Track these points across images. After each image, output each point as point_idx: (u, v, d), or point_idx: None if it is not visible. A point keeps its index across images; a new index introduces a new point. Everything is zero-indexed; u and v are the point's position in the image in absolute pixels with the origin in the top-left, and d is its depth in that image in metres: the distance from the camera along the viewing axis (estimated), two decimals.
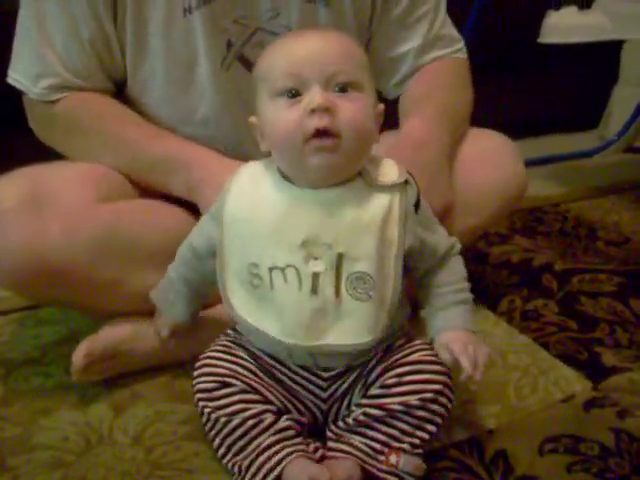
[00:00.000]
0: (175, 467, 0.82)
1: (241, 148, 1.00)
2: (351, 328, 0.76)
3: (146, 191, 1.00)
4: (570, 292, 1.25)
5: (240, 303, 0.79)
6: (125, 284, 0.93)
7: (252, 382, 0.79)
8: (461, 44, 1.15)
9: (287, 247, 0.75)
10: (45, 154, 0.98)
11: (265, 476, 0.73)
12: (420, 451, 0.77)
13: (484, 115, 1.12)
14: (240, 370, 0.79)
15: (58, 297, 0.95)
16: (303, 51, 0.74)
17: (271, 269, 0.75)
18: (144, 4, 0.94)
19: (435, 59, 1.11)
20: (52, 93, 0.97)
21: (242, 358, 0.81)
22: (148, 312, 0.94)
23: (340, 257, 0.74)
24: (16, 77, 0.98)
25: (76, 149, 1.01)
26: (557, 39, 1.67)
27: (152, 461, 0.83)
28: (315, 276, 0.74)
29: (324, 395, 0.81)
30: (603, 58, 2.10)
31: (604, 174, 1.94)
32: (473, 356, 0.77)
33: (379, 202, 0.76)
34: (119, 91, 1.03)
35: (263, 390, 0.79)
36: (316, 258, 0.74)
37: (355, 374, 0.81)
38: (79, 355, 0.92)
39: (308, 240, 0.74)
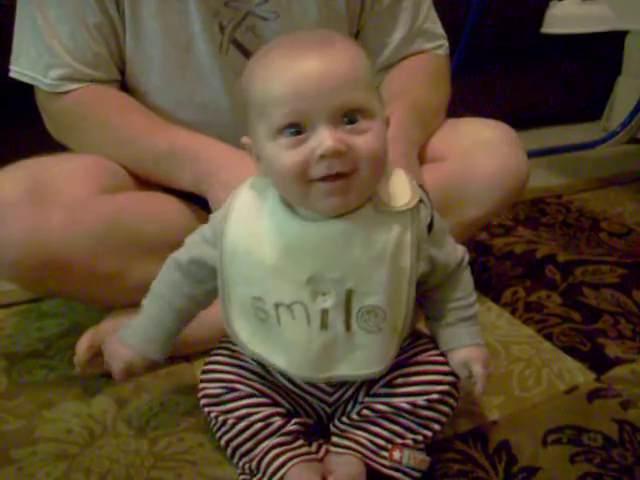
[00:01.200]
0: (179, 458, 0.82)
1: (241, 133, 1.00)
2: (362, 360, 0.74)
3: (148, 183, 1.00)
4: (573, 283, 1.25)
5: (246, 335, 0.76)
6: (127, 276, 0.93)
7: (259, 386, 0.79)
8: (443, 41, 1.15)
9: (292, 284, 0.71)
10: (47, 146, 0.98)
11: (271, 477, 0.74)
12: (423, 446, 0.77)
13: (487, 106, 1.12)
14: (247, 374, 0.79)
15: (60, 289, 0.95)
16: (305, 79, 0.63)
17: (277, 305, 0.71)
18: None
19: (415, 53, 1.11)
20: (63, 84, 0.96)
21: (249, 362, 0.80)
22: None
23: (350, 292, 0.70)
24: (21, 70, 0.97)
25: (84, 143, 1.00)
26: (560, 29, 1.66)
27: (156, 452, 0.83)
28: (324, 312, 0.71)
29: (330, 400, 0.81)
30: (606, 49, 2.09)
31: (607, 165, 1.93)
32: (487, 373, 0.79)
33: (391, 230, 0.70)
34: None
35: (271, 393, 0.79)
36: (324, 294, 0.70)
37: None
38: (82, 347, 0.92)
39: (314, 276, 0.70)
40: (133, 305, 0.96)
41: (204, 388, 0.80)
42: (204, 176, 0.92)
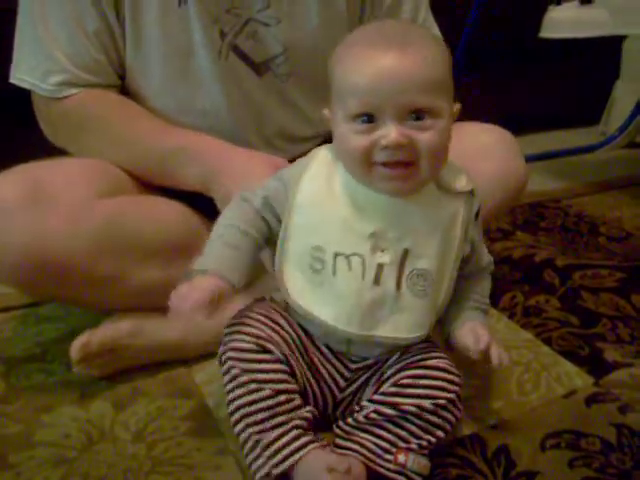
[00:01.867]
0: (177, 463, 0.82)
1: (241, 138, 1.00)
2: (405, 322, 0.78)
3: (147, 186, 1.00)
4: (572, 288, 1.25)
5: (295, 286, 0.78)
6: (126, 279, 0.93)
7: (288, 354, 0.77)
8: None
9: (356, 236, 0.76)
10: (47, 150, 0.98)
11: (283, 459, 0.72)
12: (426, 452, 0.77)
13: (486, 110, 1.12)
14: (278, 339, 0.78)
15: (59, 293, 0.95)
16: (380, 77, 0.70)
17: (336, 254, 0.76)
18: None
19: None
20: (62, 89, 0.97)
21: (281, 326, 0.79)
22: (149, 308, 0.94)
23: (406, 252, 0.76)
24: (21, 76, 0.98)
25: (87, 146, 1.00)
26: (558, 34, 1.67)
27: (154, 457, 0.83)
28: (380, 267, 0.76)
29: (344, 384, 0.82)
30: (604, 53, 2.10)
31: (606, 169, 1.94)
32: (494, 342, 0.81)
33: (447, 206, 0.79)
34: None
35: (294, 365, 0.78)
36: (383, 250, 0.76)
37: (375, 370, 0.82)
38: (76, 347, 0.92)
39: (377, 232, 0.76)
40: (132, 309, 0.97)
41: (233, 340, 0.77)
42: (212, 173, 0.93)
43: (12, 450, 0.84)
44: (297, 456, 0.72)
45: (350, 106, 0.72)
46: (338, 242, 0.76)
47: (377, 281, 0.76)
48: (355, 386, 0.82)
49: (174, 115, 1.01)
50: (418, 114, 0.71)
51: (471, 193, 0.81)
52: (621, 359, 1.02)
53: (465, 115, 1.09)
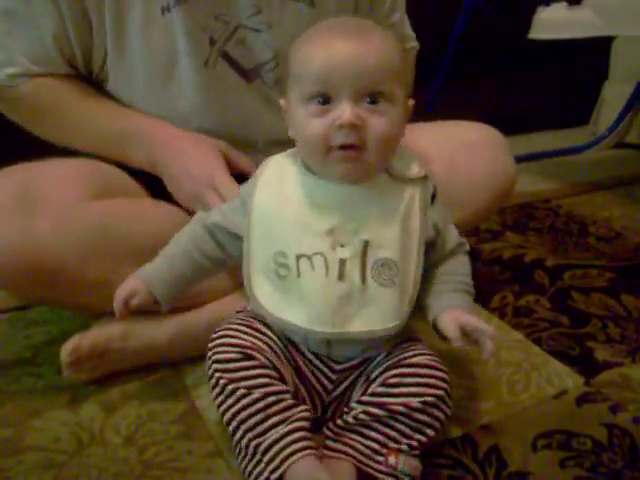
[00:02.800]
0: (168, 466, 0.82)
1: (227, 142, 1.00)
2: (376, 314, 0.77)
3: (140, 186, 1.01)
4: (562, 288, 1.25)
5: (264, 295, 0.79)
6: (116, 282, 0.91)
7: (273, 359, 0.78)
8: (416, 43, 1.21)
9: (314, 235, 0.77)
10: (37, 152, 0.98)
11: (280, 463, 0.72)
12: (417, 452, 0.77)
13: (475, 110, 1.12)
14: (261, 345, 0.78)
15: (49, 295, 0.95)
16: (338, 61, 0.72)
17: (298, 257, 0.77)
18: (122, 4, 0.93)
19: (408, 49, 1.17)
20: (14, 80, 0.97)
21: (263, 333, 0.80)
22: (139, 311, 0.94)
23: (366, 244, 0.77)
24: None
25: (42, 130, 1.02)
26: (547, 35, 1.67)
27: (145, 461, 0.82)
28: (342, 262, 0.76)
29: (330, 387, 0.82)
30: (593, 54, 2.11)
31: (595, 170, 1.95)
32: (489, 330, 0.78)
33: (402, 194, 0.79)
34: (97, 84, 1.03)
35: (281, 369, 0.78)
36: (342, 245, 0.77)
37: (361, 371, 0.82)
38: (66, 350, 0.91)
39: (335, 228, 0.77)
40: None
41: (216, 352, 0.77)
42: (157, 155, 0.96)
43: (2, 454, 0.84)
44: (290, 460, 0.72)
45: (306, 86, 0.74)
46: (298, 244, 0.77)
47: (342, 277, 0.76)
48: (342, 387, 0.82)
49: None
50: (373, 97, 0.73)
51: (425, 178, 0.81)
52: (611, 359, 1.02)
53: (454, 115, 1.10)
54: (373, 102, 0.73)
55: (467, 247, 0.87)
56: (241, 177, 0.92)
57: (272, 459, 0.72)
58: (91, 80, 1.02)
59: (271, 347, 0.79)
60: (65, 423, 0.89)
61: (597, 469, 0.80)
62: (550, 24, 1.67)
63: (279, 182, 0.81)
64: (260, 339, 0.79)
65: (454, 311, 0.80)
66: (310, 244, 0.77)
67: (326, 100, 0.73)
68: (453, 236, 0.85)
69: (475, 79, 1.97)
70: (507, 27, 1.85)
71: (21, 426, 0.89)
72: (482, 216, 1.12)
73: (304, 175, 0.79)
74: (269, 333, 0.80)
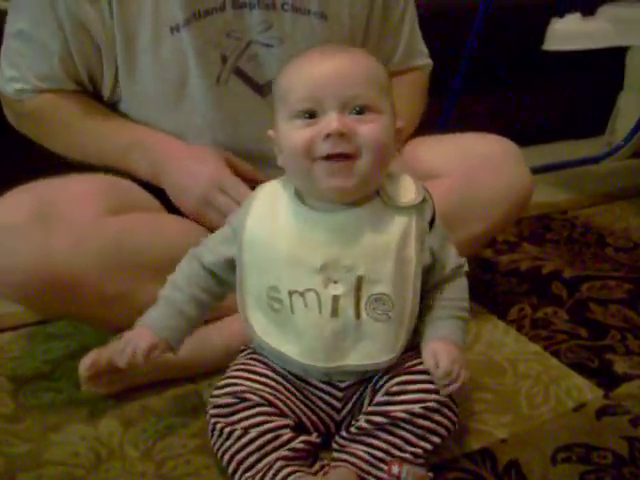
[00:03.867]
0: None
1: (240, 156, 1.01)
2: (371, 349, 0.77)
3: (157, 201, 1.02)
4: (580, 299, 1.24)
5: (260, 326, 0.79)
6: (133, 297, 0.93)
7: (269, 397, 0.79)
8: (428, 59, 1.21)
9: (306, 271, 0.75)
10: (53, 168, 0.99)
11: None
12: (422, 461, 0.76)
13: (490, 122, 1.12)
14: (257, 386, 0.79)
15: (67, 311, 0.96)
16: (322, 75, 0.73)
17: (291, 293, 0.76)
18: (131, 24, 0.95)
19: (410, 69, 1.17)
20: (22, 94, 1.00)
21: (260, 374, 0.81)
22: None
23: (360, 279, 0.75)
24: None
25: (49, 143, 1.05)
26: (561, 46, 1.67)
27: (162, 475, 0.83)
28: (335, 299, 0.75)
29: (339, 405, 0.82)
30: (608, 65, 2.10)
31: (612, 180, 1.93)
32: (455, 373, 0.76)
33: (397, 223, 0.77)
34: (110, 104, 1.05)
35: (279, 404, 0.79)
36: (335, 281, 0.75)
37: (367, 385, 0.81)
38: (85, 365, 0.92)
39: (327, 264, 0.75)
40: None
41: (214, 398, 0.80)
42: (161, 165, 0.98)
43: (21, 469, 0.84)
44: None
45: (292, 103, 0.74)
46: (290, 280, 0.76)
47: (335, 313, 0.75)
48: (351, 404, 0.82)
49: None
50: (359, 110, 0.73)
51: (423, 202, 0.78)
52: (631, 371, 1.02)
53: (469, 127, 1.10)
54: (359, 113, 0.73)
55: (466, 267, 0.84)
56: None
57: None
58: (99, 97, 1.04)
59: (267, 384, 0.80)
60: (84, 438, 0.90)
61: None
62: (564, 35, 1.67)
63: (271, 211, 0.79)
64: (257, 380, 0.80)
65: (435, 344, 0.78)
66: (302, 280, 0.75)
67: (312, 115, 0.73)
68: (451, 259, 0.82)
69: (490, 91, 1.97)
70: (521, 39, 1.85)
71: (40, 441, 0.89)
72: (499, 228, 1.12)
73: (296, 205, 0.78)
74: (266, 371, 0.81)
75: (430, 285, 0.81)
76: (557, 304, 1.23)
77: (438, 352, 0.77)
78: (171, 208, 1.01)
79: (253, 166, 1.02)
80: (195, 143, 1.01)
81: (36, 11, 0.96)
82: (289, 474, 0.73)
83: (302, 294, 0.75)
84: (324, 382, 0.81)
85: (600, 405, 0.94)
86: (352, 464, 0.75)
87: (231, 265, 0.81)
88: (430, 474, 0.77)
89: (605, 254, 1.44)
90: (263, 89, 1.03)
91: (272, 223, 0.78)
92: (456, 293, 0.83)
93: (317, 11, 1.01)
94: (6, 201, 0.89)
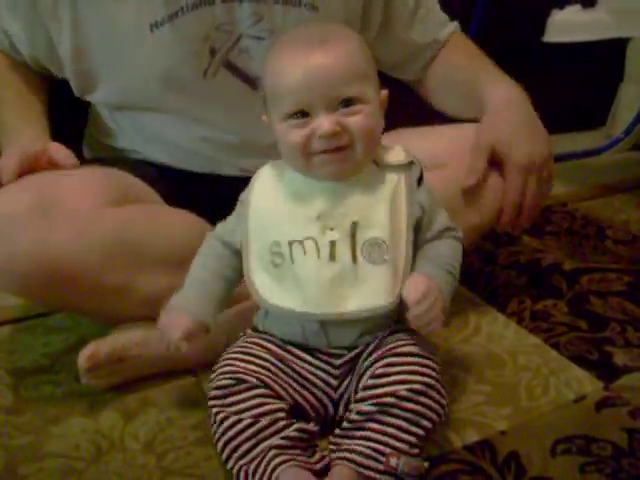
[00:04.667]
0: (187, 473, 0.82)
1: (232, 148, 1.01)
2: (369, 292, 0.79)
3: (155, 193, 1.02)
4: (580, 292, 1.24)
5: (263, 287, 0.82)
6: (134, 289, 0.93)
7: (266, 379, 0.80)
8: (455, 24, 1.23)
9: (304, 221, 0.80)
10: None
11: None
12: (417, 451, 0.76)
13: None
14: (254, 368, 0.80)
15: (67, 303, 0.96)
16: (306, 75, 0.76)
17: (291, 243, 0.80)
18: (111, 23, 0.95)
19: (450, 35, 1.20)
20: None
21: (257, 357, 0.82)
22: (157, 318, 0.94)
23: (354, 225, 0.79)
24: None
25: None
26: (562, 37, 1.67)
27: (163, 467, 0.83)
28: (332, 244, 0.79)
29: (335, 383, 0.83)
30: (609, 56, 2.09)
31: (612, 172, 1.93)
32: (428, 305, 0.77)
33: (388, 179, 0.82)
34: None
35: (276, 386, 0.80)
36: (332, 228, 0.80)
37: (357, 362, 0.83)
38: (84, 356, 0.92)
39: (323, 213, 0.80)
40: (140, 318, 0.97)
41: (213, 382, 0.81)
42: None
43: (22, 461, 0.84)
44: (275, 474, 0.73)
45: (284, 106, 0.78)
46: (290, 231, 0.80)
47: (333, 257, 0.79)
48: (347, 382, 0.83)
49: (161, 131, 1.04)
50: (346, 102, 0.77)
51: (411, 163, 0.84)
52: (631, 363, 1.02)
53: (471, 118, 1.10)
54: (347, 106, 0.77)
55: (459, 234, 0.87)
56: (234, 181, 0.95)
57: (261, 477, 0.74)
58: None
59: (264, 367, 0.81)
60: (84, 430, 0.90)
61: (618, 474, 0.80)
62: (564, 27, 1.66)
63: (273, 182, 0.84)
64: (253, 362, 0.81)
65: (418, 276, 0.80)
66: (301, 230, 0.80)
67: (303, 115, 0.77)
68: (442, 218, 0.85)
69: None
70: (521, 30, 1.85)
71: (41, 433, 0.89)
72: (496, 220, 1.11)
73: (296, 175, 0.83)
74: (262, 353, 0.83)
75: (421, 242, 0.84)
76: (557, 296, 1.23)
77: (419, 282, 0.78)
78: (170, 200, 1.01)
79: (232, 156, 1.05)
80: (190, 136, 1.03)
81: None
82: (281, 463, 0.73)
83: (301, 242, 0.79)
84: (320, 360, 0.83)
85: (600, 397, 0.94)
86: (350, 460, 0.75)
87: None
88: (426, 464, 0.76)
89: (605, 246, 1.44)
90: (255, 82, 1.03)
91: (274, 190, 0.84)
92: (447, 251, 0.85)
93: (308, 2, 1.01)
94: (6, 193, 0.89)
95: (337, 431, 0.79)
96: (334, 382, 0.83)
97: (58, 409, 0.94)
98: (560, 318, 1.16)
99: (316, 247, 0.79)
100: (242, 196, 0.86)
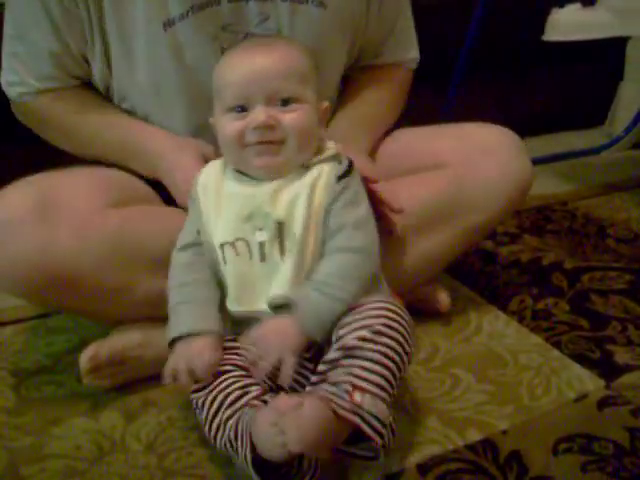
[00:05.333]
0: (188, 473, 0.82)
1: None
2: (276, 284, 0.81)
3: (156, 194, 1.02)
4: (581, 290, 1.24)
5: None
6: (134, 290, 0.93)
7: (241, 363, 0.82)
8: (416, 53, 1.17)
9: (235, 221, 0.83)
10: (54, 161, 0.99)
11: (245, 439, 0.74)
12: (385, 396, 0.74)
13: (490, 113, 1.12)
14: (229, 356, 0.82)
15: (68, 304, 0.96)
16: (248, 71, 0.81)
17: (222, 245, 0.83)
18: (124, 22, 0.94)
19: (394, 63, 1.15)
20: (22, 97, 1.01)
21: (230, 348, 0.83)
22: (157, 318, 0.94)
23: (280, 225, 0.81)
24: (1, 79, 1.03)
25: (53, 142, 1.06)
26: (562, 36, 1.66)
27: (165, 468, 0.83)
28: (261, 245, 0.82)
29: (311, 366, 0.81)
30: (609, 55, 2.09)
31: (612, 171, 1.93)
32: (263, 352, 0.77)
33: (310, 173, 0.84)
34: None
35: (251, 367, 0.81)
36: (261, 229, 0.82)
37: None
38: (85, 358, 0.92)
39: (253, 213, 0.82)
40: (140, 319, 0.97)
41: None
42: (154, 167, 1.00)
43: (23, 462, 0.84)
44: (248, 431, 0.73)
45: (226, 99, 0.83)
46: (221, 232, 0.83)
47: (263, 258, 0.81)
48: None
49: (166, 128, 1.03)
50: (284, 102, 0.81)
51: (334, 158, 0.85)
52: (632, 361, 1.02)
53: (469, 117, 1.10)
54: (284, 104, 0.81)
55: (357, 243, 0.82)
56: None
57: (242, 441, 0.74)
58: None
59: (240, 354, 0.83)
60: (86, 431, 0.90)
61: (619, 473, 0.80)
62: (564, 26, 1.66)
63: (211, 182, 0.87)
64: (229, 348, 0.83)
65: (269, 324, 0.79)
66: (231, 231, 0.82)
67: (243, 109, 0.82)
68: (344, 218, 0.82)
69: (490, 81, 1.97)
70: (522, 29, 1.85)
71: (42, 434, 0.89)
72: (498, 219, 1.11)
73: (232, 177, 0.86)
74: (235, 344, 0.84)
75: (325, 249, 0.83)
76: (558, 295, 1.23)
77: (263, 331, 0.78)
78: (171, 201, 1.01)
79: None
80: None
81: (25, 10, 0.95)
82: (242, 405, 0.77)
83: (232, 244, 0.82)
84: None
85: (601, 396, 0.94)
86: (320, 397, 0.73)
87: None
88: (391, 416, 0.75)
89: (606, 245, 1.44)
90: None
91: (210, 189, 0.86)
92: (333, 268, 0.81)
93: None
94: (7, 194, 0.89)
95: (307, 386, 0.78)
96: (310, 365, 0.81)
97: (60, 410, 0.94)
98: (561, 317, 1.16)
99: (248, 247, 0.82)
100: (192, 192, 0.88)
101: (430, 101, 1.17)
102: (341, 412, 0.72)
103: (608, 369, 1.00)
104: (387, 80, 1.14)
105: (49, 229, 0.86)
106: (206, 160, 0.96)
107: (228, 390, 0.79)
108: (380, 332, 0.76)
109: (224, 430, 0.77)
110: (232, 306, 0.84)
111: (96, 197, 0.93)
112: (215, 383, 0.79)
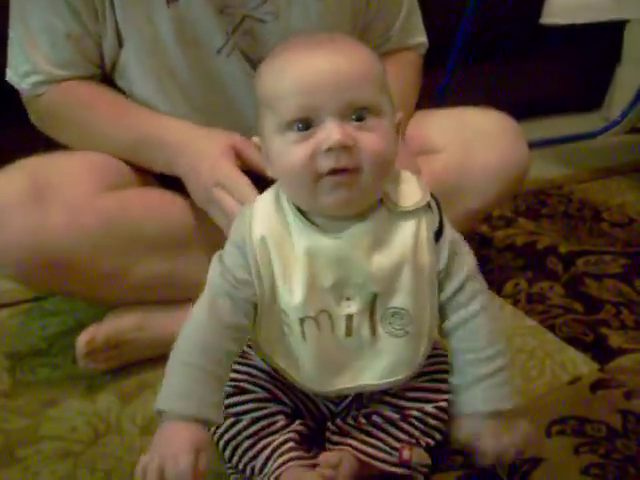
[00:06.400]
0: None
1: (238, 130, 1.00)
2: (387, 366, 0.72)
3: (151, 178, 1.01)
4: (575, 274, 1.25)
5: (269, 347, 0.73)
6: (129, 274, 0.93)
7: (266, 384, 0.78)
8: (424, 38, 1.14)
9: (317, 292, 0.69)
10: (46, 144, 0.98)
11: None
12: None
13: (487, 97, 1.12)
14: (257, 373, 0.78)
15: (63, 288, 0.96)
16: (314, 76, 0.63)
17: (302, 320, 0.69)
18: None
19: (403, 48, 1.11)
20: (38, 88, 0.97)
21: (256, 367, 0.79)
22: (153, 301, 0.94)
23: (374, 296, 0.69)
24: (10, 74, 0.98)
25: (65, 139, 1.01)
26: (559, 20, 1.65)
27: None
28: (349, 318, 0.70)
29: (337, 403, 0.79)
30: (606, 38, 2.09)
31: (608, 155, 1.93)
32: (506, 445, 0.71)
33: (406, 229, 0.69)
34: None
35: (277, 391, 0.78)
36: (348, 298, 0.69)
37: None
38: (81, 342, 0.92)
39: (338, 282, 0.68)
40: (136, 303, 0.97)
41: None
42: (173, 157, 0.92)
43: (19, 444, 0.85)
44: (276, 474, 0.71)
45: (283, 112, 0.64)
46: (302, 305, 0.68)
47: (349, 332, 0.70)
48: (350, 398, 0.78)
49: (168, 111, 1.00)
50: (359, 113, 0.64)
51: (428, 206, 0.71)
52: (626, 345, 1.02)
53: (466, 101, 1.10)
54: (360, 119, 0.64)
55: (482, 284, 0.74)
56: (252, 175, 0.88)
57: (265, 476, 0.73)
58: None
59: (265, 372, 0.78)
60: (81, 413, 0.90)
61: (611, 455, 0.80)
62: (562, 9, 1.65)
63: (272, 231, 0.69)
64: (255, 366, 0.78)
65: (470, 423, 0.72)
66: (313, 304, 0.69)
67: (307, 125, 0.63)
68: (461, 265, 0.72)
69: (487, 65, 1.96)
70: (519, 12, 1.84)
71: (38, 416, 0.90)
72: (495, 203, 1.11)
73: (296, 221, 0.69)
74: (262, 365, 0.78)
75: (442, 302, 0.72)
76: (553, 279, 1.23)
77: (474, 436, 0.71)
78: (166, 183, 1.00)
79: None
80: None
81: None
82: (282, 464, 0.71)
83: (315, 318, 0.69)
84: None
85: (595, 378, 0.94)
86: (353, 447, 0.73)
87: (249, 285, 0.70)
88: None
89: (601, 229, 1.44)
90: (256, 64, 1.01)
91: (278, 247, 0.69)
92: (479, 337, 0.72)
93: None
94: (0, 178, 0.88)
95: (349, 420, 0.76)
96: (336, 398, 0.79)
97: (55, 392, 0.94)
98: (556, 300, 1.16)
99: (331, 321, 0.70)
100: (237, 232, 0.71)
101: (425, 85, 1.15)
102: (390, 469, 0.73)
103: (602, 352, 1.01)
104: (400, 63, 1.09)
105: (43, 212, 0.86)
106: (237, 152, 0.89)
107: (252, 415, 0.75)
108: (442, 409, 0.76)
109: (244, 456, 0.74)
110: (310, 387, 0.74)
111: (91, 180, 0.93)
112: (238, 399, 0.76)
